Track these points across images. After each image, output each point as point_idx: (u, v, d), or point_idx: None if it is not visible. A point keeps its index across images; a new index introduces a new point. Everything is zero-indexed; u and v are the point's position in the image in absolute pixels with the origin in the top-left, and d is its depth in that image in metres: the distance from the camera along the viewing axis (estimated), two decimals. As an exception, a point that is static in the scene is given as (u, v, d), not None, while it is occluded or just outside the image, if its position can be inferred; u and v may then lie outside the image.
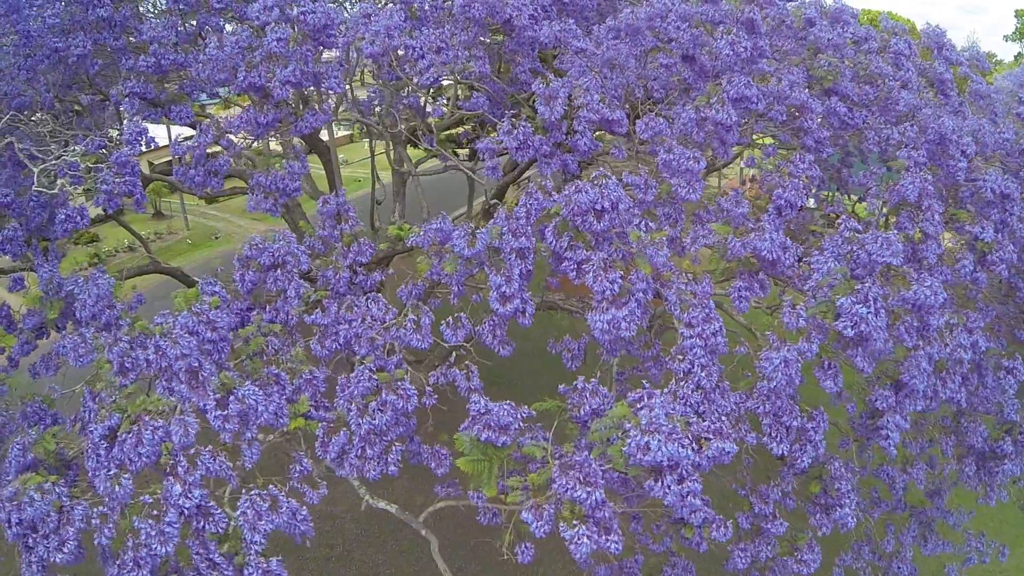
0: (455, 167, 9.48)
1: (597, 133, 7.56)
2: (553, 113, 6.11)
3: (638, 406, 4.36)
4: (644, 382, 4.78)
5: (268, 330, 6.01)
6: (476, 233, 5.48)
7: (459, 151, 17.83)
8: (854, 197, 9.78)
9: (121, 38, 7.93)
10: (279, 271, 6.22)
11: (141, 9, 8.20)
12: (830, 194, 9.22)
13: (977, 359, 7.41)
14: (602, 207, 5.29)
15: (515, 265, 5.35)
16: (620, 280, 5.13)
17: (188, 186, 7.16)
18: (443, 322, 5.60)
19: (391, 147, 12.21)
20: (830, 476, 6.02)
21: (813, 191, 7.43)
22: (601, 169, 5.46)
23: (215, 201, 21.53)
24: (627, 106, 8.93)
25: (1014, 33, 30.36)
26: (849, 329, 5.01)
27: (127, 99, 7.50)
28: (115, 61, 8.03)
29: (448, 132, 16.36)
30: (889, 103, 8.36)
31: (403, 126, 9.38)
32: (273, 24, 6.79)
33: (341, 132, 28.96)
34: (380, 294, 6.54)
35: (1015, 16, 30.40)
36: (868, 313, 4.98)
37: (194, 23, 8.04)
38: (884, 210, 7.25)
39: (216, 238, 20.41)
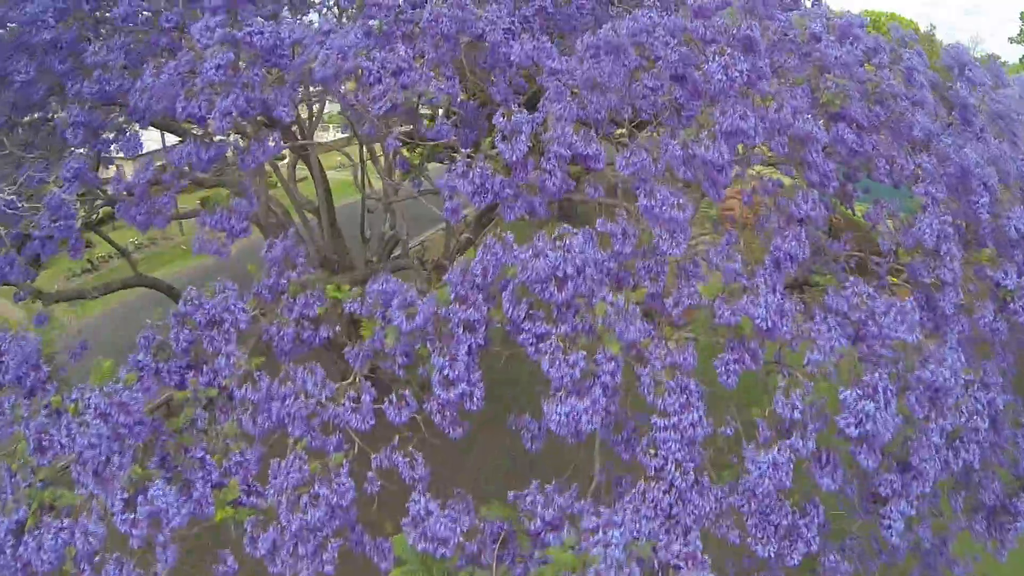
0: (430, 191, 8.37)
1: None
2: (515, 152, 4.98)
3: (593, 538, 3.35)
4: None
5: (205, 395, 5.09)
6: (417, 302, 4.45)
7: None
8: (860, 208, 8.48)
9: (68, 60, 6.90)
10: (215, 330, 5.26)
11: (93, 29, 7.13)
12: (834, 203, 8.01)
13: (993, 414, 6.28)
14: (565, 274, 4.21)
15: (463, 341, 4.30)
16: (583, 363, 4.07)
17: (132, 225, 6.20)
18: (385, 399, 4.60)
19: (376, 156, 11.14)
20: (823, 568, 4.98)
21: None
22: (565, 226, 4.35)
23: None
24: (614, 129, 7.73)
25: (1019, 35, 27.92)
26: (853, 427, 3.92)
27: (71, 128, 6.51)
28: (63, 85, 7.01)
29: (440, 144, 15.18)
30: (902, 126, 7.04)
31: (397, 130, 8.27)
32: (213, 48, 5.71)
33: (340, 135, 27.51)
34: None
35: (1020, 19, 27.93)
36: (876, 410, 3.88)
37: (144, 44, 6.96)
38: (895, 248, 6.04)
39: (255, 213, 19.15)
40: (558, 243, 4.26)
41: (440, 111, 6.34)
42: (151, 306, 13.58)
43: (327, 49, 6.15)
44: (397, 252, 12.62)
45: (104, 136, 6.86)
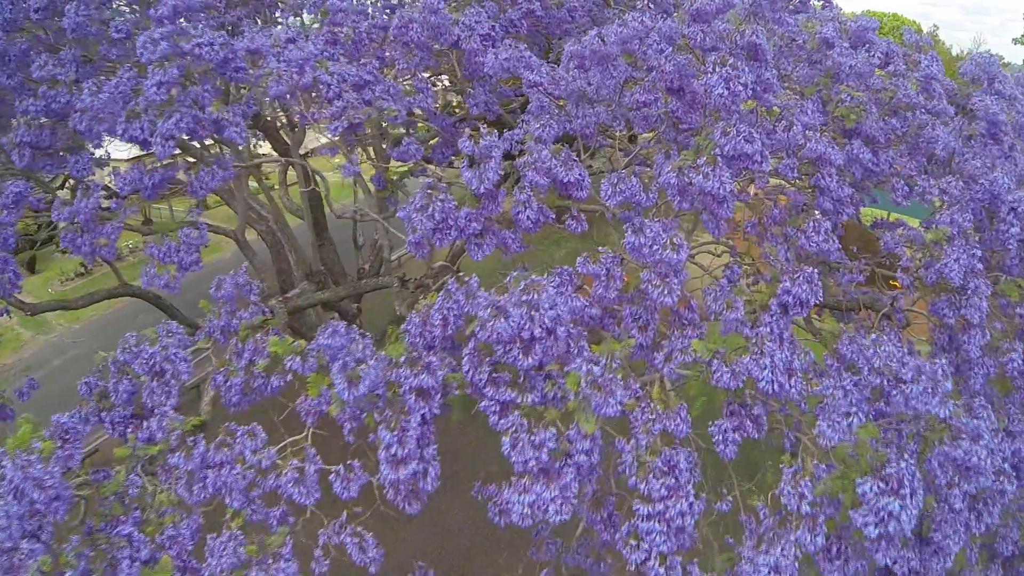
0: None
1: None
2: (483, 181, 4.15)
3: None
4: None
5: (144, 452, 4.38)
6: (368, 360, 3.67)
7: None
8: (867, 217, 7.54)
9: (17, 74, 6.14)
10: (155, 382, 4.54)
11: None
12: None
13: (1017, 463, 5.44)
14: (532, 335, 3.41)
15: (415, 410, 3.53)
16: (552, 443, 3.29)
17: (77, 255, 5.49)
18: (332, 471, 3.86)
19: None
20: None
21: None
22: (532, 278, 3.54)
23: (205, 208, 19.77)
24: (606, 143, 6.85)
25: (1023, 36, 26.17)
26: (872, 527, 3.12)
27: (16, 149, 5.76)
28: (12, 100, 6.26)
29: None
30: (920, 141, 6.10)
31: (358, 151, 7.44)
32: (156, 64, 4.91)
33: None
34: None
35: (1024, 19, 26.06)
36: (902, 508, 3.07)
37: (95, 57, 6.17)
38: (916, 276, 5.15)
39: (205, 246, 18.12)
40: (525, 296, 3.45)
41: (402, 129, 5.51)
42: (143, 312, 12.96)
43: (283, 62, 5.33)
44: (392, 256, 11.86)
45: (59, 155, 6.11)
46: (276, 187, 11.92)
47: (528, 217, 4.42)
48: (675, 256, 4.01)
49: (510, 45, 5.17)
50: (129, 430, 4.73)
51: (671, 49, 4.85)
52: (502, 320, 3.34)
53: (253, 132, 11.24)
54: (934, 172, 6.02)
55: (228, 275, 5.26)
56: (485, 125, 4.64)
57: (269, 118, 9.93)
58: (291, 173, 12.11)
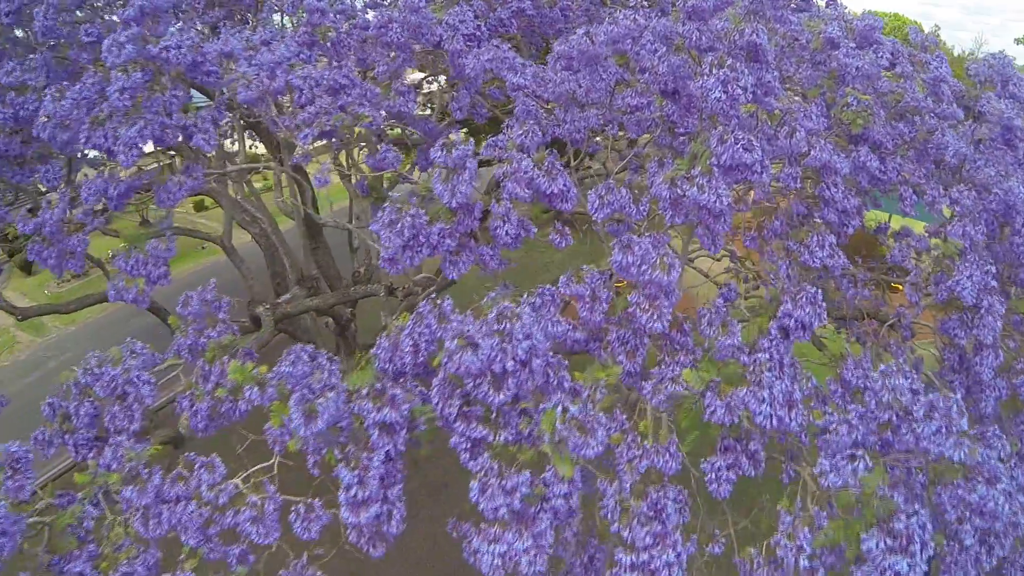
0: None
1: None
2: (455, 195, 3.75)
3: None
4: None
5: (104, 479, 4.05)
6: (331, 388, 3.30)
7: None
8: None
9: (-13, 79, 5.78)
10: (117, 405, 4.20)
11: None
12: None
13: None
14: (504, 368, 3.03)
15: (379, 447, 3.16)
16: (526, 487, 2.91)
17: (44, 267, 5.15)
18: (291, 510, 3.50)
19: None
20: None
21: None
22: (505, 305, 3.14)
23: (204, 209, 19.45)
24: (598, 147, 6.41)
25: None
26: (881, 586, 2.73)
27: (-16, 157, 5.43)
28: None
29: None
30: (928, 147, 5.63)
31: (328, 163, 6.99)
32: (119, 69, 4.54)
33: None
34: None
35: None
36: (909, 568, 2.68)
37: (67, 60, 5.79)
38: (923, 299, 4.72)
39: (203, 248, 17.64)
40: (498, 325, 3.06)
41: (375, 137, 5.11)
42: (136, 316, 12.66)
43: (254, 65, 4.93)
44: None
45: (29, 165, 5.77)
46: (271, 188, 11.57)
47: (507, 232, 4.01)
48: (666, 277, 3.60)
49: (494, 46, 4.75)
50: (91, 454, 4.41)
51: (665, 49, 4.42)
52: (470, 353, 2.96)
53: (247, 132, 10.89)
54: (943, 179, 5.56)
55: (196, 291, 4.92)
56: (466, 130, 4.25)
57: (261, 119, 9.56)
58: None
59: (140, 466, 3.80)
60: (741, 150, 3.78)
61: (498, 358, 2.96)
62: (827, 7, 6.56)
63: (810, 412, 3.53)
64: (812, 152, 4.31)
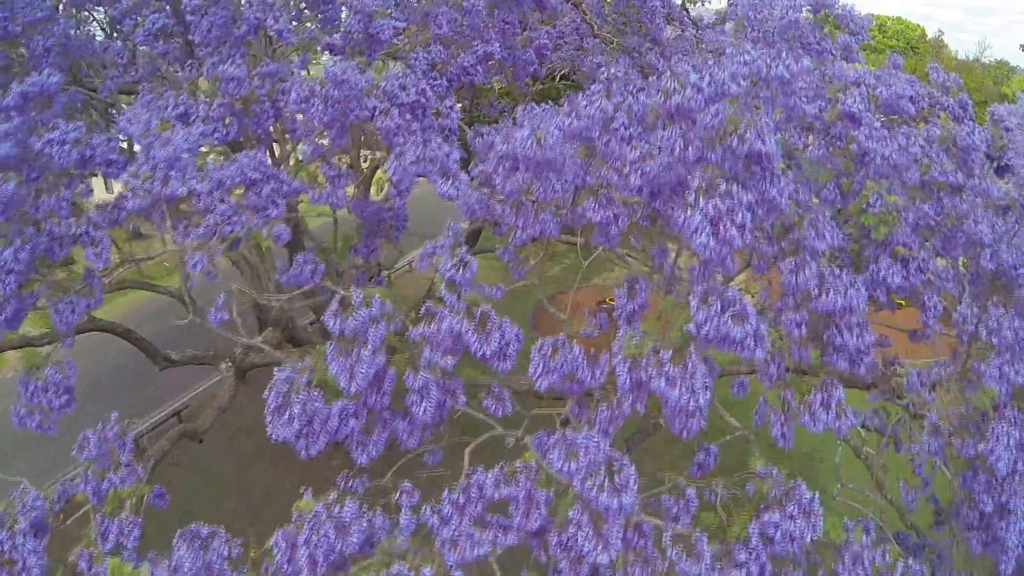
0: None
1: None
2: (355, 378, 2.62)
3: None
4: None
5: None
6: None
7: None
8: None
9: None
10: (5, 572, 3.27)
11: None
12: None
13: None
14: None
15: None
16: None
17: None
18: None
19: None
20: None
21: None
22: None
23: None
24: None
25: None
26: None
27: None
28: None
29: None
30: (958, 234, 4.30)
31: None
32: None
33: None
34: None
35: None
36: None
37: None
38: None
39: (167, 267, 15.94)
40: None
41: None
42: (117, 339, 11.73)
43: (151, 161, 3.71)
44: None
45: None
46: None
47: (426, 411, 2.89)
48: (615, 502, 2.48)
49: (419, 142, 3.44)
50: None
51: (638, 154, 3.13)
52: None
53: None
54: (975, 283, 4.27)
55: (92, 430, 3.90)
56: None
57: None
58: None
59: None
60: (728, 322, 2.57)
61: None
62: (842, 58, 5.00)
63: None
64: (824, 298, 3.07)
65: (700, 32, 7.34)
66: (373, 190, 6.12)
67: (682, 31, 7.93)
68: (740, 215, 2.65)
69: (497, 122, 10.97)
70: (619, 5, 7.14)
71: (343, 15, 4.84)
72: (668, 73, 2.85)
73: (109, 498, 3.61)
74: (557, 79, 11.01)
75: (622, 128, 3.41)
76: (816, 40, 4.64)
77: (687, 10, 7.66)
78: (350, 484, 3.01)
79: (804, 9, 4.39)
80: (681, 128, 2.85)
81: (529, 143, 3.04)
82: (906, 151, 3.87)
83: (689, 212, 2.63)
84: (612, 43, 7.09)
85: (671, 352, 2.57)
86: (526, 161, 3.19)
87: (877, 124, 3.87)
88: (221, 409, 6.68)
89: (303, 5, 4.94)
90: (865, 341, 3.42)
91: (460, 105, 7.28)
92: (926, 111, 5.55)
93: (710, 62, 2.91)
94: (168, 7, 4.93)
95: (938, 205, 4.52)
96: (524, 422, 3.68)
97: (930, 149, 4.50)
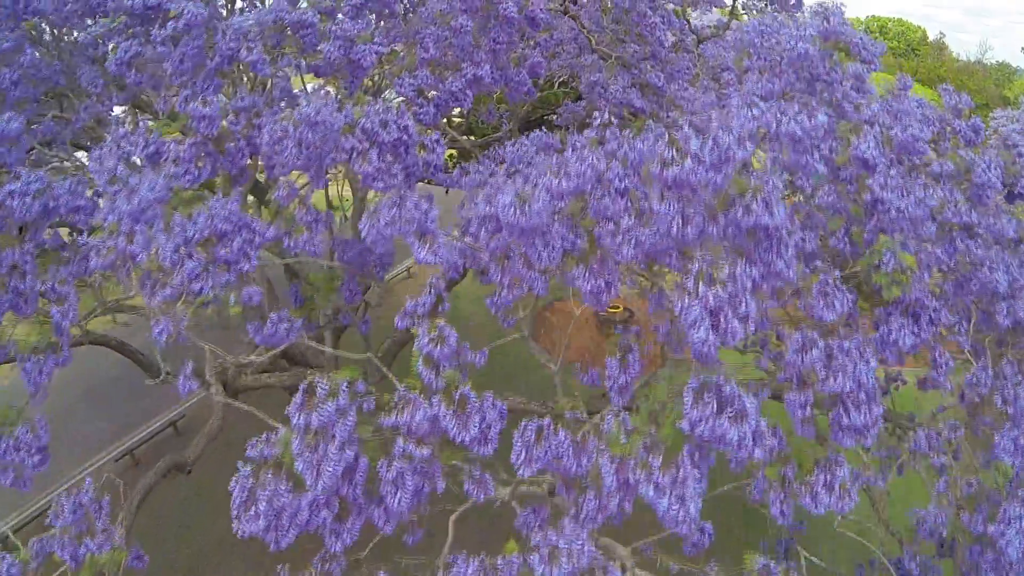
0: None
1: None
2: (321, 477, 2.38)
3: None
4: None
5: None
6: None
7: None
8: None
9: None
10: None
11: None
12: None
13: None
14: None
15: None
16: None
17: None
18: None
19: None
20: None
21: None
22: None
23: None
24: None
25: None
26: None
27: None
28: None
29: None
30: (972, 282, 3.97)
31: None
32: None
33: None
34: None
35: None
36: None
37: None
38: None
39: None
40: None
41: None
42: (96, 357, 11.58)
43: (115, 212, 3.41)
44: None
45: None
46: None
47: (401, 501, 2.65)
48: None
49: (395, 200, 3.10)
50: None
51: (634, 220, 2.80)
52: None
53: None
54: (992, 335, 3.96)
55: (69, 497, 3.68)
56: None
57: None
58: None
59: None
60: (726, 422, 2.30)
61: None
62: (852, 91, 4.54)
63: None
64: (832, 381, 2.77)
65: (701, 45, 6.89)
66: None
67: (682, 39, 7.47)
68: (743, 304, 2.34)
69: (497, 129, 10.50)
70: (618, 12, 6.68)
71: (323, 42, 4.46)
72: (664, 138, 2.50)
73: (86, 564, 3.42)
74: (556, 85, 10.52)
75: (616, 179, 3.09)
76: (826, 70, 4.24)
77: (688, 20, 7.19)
78: (327, 567, 2.78)
79: (814, 39, 3.99)
80: (679, 202, 2.52)
81: (512, 211, 2.72)
82: (924, 203, 3.53)
83: (687, 301, 2.33)
84: (610, 57, 6.65)
85: (660, 457, 2.30)
86: (509, 227, 2.88)
87: (893, 172, 3.52)
88: (210, 438, 6.48)
89: (286, 30, 4.55)
90: (873, 415, 3.14)
91: (458, 110, 6.89)
92: (936, 135, 5.17)
93: (714, 118, 2.56)
94: (144, 33, 4.57)
95: (951, 247, 4.19)
96: (511, 487, 3.44)
97: (944, 187, 4.16)
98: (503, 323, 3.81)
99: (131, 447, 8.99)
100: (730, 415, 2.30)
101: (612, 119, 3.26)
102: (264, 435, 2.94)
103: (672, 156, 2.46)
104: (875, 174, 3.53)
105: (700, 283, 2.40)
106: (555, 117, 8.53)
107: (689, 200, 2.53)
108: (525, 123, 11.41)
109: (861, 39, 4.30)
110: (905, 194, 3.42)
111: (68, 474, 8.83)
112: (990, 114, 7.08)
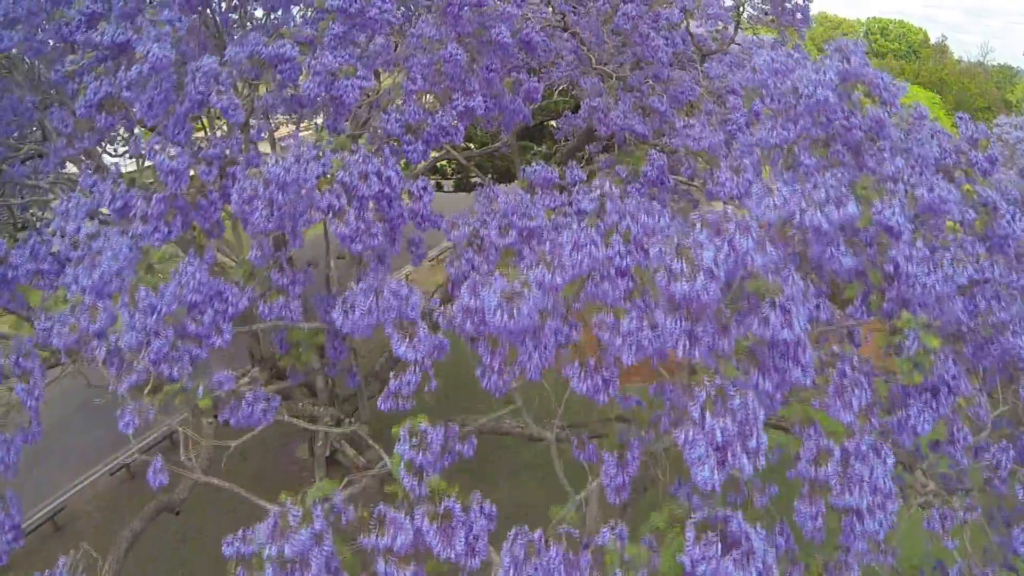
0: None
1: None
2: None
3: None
4: None
5: None
6: None
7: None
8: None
9: None
10: None
11: None
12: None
13: None
14: None
15: None
16: None
17: None
18: None
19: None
20: None
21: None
22: None
23: None
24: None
25: None
26: None
27: None
28: None
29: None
30: (993, 346, 3.65)
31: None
32: None
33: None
34: None
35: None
36: None
37: None
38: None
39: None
40: None
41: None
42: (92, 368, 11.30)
43: (78, 285, 3.08)
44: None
45: None
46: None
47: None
48: None
49: (371, 286, 2.74)
50: None
51: (645, 325, 2.47)
52: None
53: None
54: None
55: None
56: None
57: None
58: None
59: None
60: (731, 565, 2.02)
61: None
62: (881, 141, 4.08)
63: None
64: (848, 495, 2.49)
65: (705, 65, 6.37)
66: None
67: (684, 50, 6.93)
68: (755, 436, 2.04)
69: (496, 137, 9.98)
70: (619, 25, 6.13)
71: (301, 77, 4.03)
72: (669, 249, 2.15)
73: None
74: (555, 94, 9.97)
75: (616, 258, 2.75)
76: (844, 115, 3.83)
77: (692, 34, 6.64)
78: None
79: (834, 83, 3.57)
80: (686, 320, 2.20)
81: (498, 314, 2.40)
82: (952, 280, 3.17)
83: (691, 434, 2.03)
84: (611, 78, 6.16)
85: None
86: (496, 328, 2.56)
87: (920, 244, 3.15)
88: (197, 480, 6.26)
89: (263, 65, 4.12)
90: (889, 518, 2.87)
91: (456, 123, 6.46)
92: (952, 166, 4.77)
93: (730, 219, 2.20)
94: (114, 69, 4.14)
95: (972, 304, 3.85)
96: None
97: (966, 240, 3.80)
98: (495, 394, 3.52)
99: (126, 460, 8.85)
100: (735, 557, 2.04)
101: (611, 186, 2.89)
102: (240, 531, 2.70)
103: (680, 269, 2.12)
104: (899, 242, 3.18)
105: (708, 412, 2.10)
106: (555, 129, 8.07)
107: (698, 317, 2.20)
108: (524, 130, 10.89)
109: (882, 79, 3.87)
110: (933, 269, 3.08)
111: (64, 486, 8.71)
112: (993, 120, 6.58)
